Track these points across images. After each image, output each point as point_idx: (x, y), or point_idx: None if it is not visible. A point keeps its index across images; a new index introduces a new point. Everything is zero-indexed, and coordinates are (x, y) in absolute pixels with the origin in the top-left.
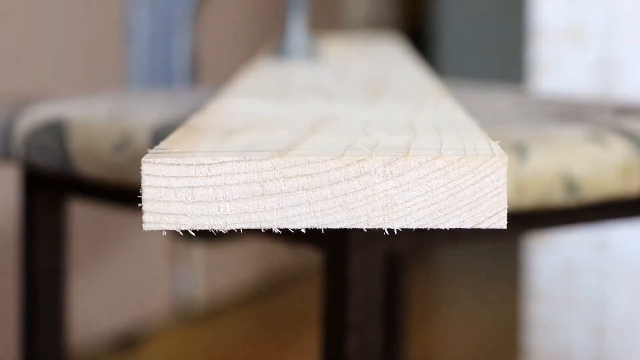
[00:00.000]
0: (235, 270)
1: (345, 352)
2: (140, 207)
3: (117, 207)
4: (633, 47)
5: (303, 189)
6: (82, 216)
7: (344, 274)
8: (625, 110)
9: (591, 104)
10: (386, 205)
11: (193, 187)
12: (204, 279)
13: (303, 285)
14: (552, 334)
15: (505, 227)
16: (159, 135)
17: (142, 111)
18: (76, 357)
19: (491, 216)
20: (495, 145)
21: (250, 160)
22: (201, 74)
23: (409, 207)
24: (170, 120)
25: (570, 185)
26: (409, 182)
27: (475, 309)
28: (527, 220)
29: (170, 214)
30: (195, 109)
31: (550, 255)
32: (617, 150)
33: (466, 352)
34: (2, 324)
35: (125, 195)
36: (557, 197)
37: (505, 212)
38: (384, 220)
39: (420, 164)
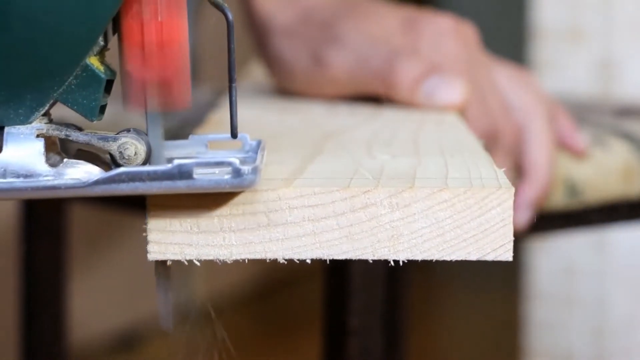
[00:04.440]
0: (235, 270)
1: (345, 358)
2: (145, 228)
3: (117, 207)
4: (633, 47)
5: (309, 220)
6: (82, 216)
7: (345, 279)
8: (626, 112)
9: (591, 106)
10: (392, 236)
11: (198, 216)
12: (204, 279)
13: (303, 285)
14: (552, 334)
15: (511, 259)
16: None
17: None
18: (76, 357)
19: (497, 248)
20: (501, 173)
21: (256, 190)
22: (201, 74)
23: (415, 239)
24: (170, 123)
25: (572, 188)
26: (415, 214)
27: (475, 309)
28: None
29: (175, 243)
30: (196, 111)
31: (550, 255)
32: (618, 153)
33: (466, 353)
34: (2, 324)
35: (126, 195)
36: (558, 200)
37: (512, 244)
38: (389, 251)
39: (426, 195)
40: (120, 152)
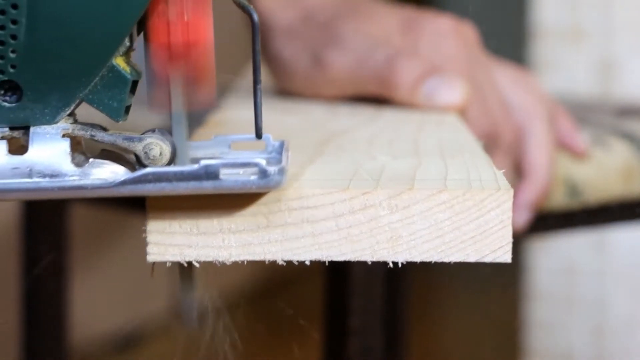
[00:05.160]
0: (236, 270)
1: (346, 358)
2: (145, 229)
3: (117, 208)
4: (633, 47)
5: (308, 221)
6: (82, 216)
7: (345, 280)
8: (626, 112)
9: (592, 106)
10: (391, 238)
11: (198, 218)
12: (204, 278)
13: (303, 285)
14: (552, 334)
15: (509, 260)
16: None
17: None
18: (76, 357)
19: (496, 250)
20: (500, 175)
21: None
22: None
23: (414, 240)
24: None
25: (572, 188)
26: (414, 215)
27: (475, 309)
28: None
29: (174, 245)
30: (197, 113)
31: (550, 255)
32: (618, 153)
33: (466, 353)
34: (2, 324)
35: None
36: (558, 200)
37: (510, 246)
38: (388, 253)
39: (426, 197)
40: (146, 153)
